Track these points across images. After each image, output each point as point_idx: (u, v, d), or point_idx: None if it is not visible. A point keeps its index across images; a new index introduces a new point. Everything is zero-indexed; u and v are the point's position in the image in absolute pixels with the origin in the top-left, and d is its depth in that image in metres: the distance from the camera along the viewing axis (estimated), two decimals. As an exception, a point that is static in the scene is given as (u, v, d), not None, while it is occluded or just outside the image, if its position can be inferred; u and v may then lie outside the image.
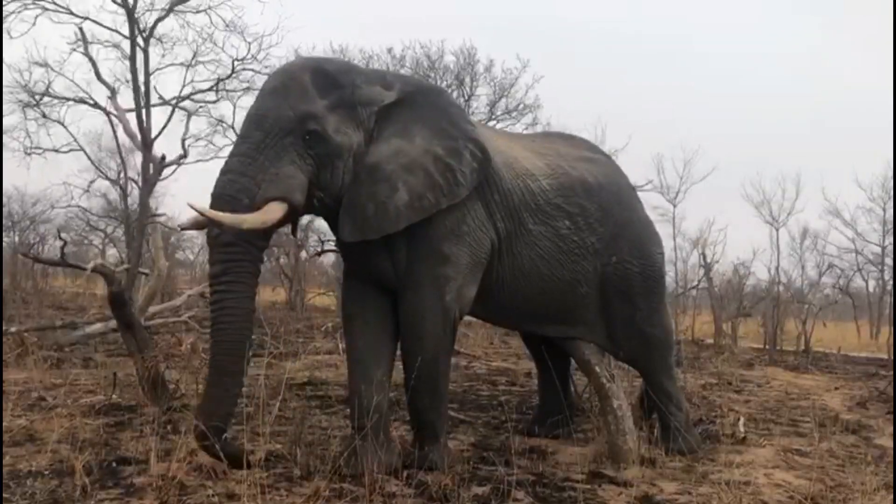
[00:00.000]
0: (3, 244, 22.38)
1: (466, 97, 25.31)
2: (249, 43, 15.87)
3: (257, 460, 4.18)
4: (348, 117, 4.49)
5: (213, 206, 4.15)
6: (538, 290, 5.23)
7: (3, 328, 7.96)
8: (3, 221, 20.90)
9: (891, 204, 24.47)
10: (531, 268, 5.14)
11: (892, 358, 9.89)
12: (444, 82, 24.97)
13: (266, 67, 17.08)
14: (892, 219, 24.19)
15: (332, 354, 9.81)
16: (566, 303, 5.39)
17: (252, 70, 16.72)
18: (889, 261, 24.87)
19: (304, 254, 20.84)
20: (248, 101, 24.31)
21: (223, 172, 4.26)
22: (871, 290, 27.49)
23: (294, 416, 5.42)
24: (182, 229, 4.65)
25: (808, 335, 15.30)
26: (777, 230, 24.94)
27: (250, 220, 4.10)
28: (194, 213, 4.14)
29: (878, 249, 25.22)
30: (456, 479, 4.29)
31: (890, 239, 24.67)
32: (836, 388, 10.00)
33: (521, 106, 25.36)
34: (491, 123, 25.88)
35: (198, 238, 28.23)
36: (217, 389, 4.23)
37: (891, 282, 26.13)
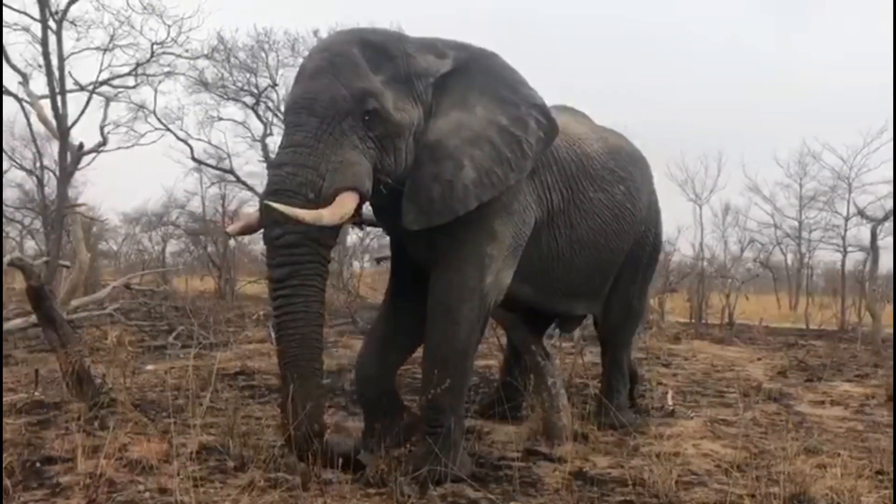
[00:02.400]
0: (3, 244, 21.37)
1: (395, 81, 25.16)
2: (169, 26, 15.44)
3: (189, 453, 4.10)
4: (405, 92, 4.08)
5: (268, 203, 3.71)
6: (593, 263, 5.13)
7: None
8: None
9: (806, 179, 25.34)
10: (589, 238, 5.03)
11: (894, 352, 10.28)
12: (372, 65, 24.75)
13: (186, 51, 16.66)
14: (806, 195, 25.05)
15: (264, 343, 9.66)
16: (607, 275, 5.41)
17: (172, 54, 16.29)
18: (805, 234, 25.81)
19: (232, 241, 20.47)
20: (168, 86, 23.75)
21: (278, 166, 3.84)
22: (789, 263, 28.51)
23: (226, 408, 5.33)
24: (232, 235, 4.32)
25: (731, 308, 15.80)
26: (700, 207, 25.55)
27: (328, 214, 3.70)
28: (243, 217, 3.92)
29: (796, 224, 26.12)
30: (393, 463, 4.29)
31: (806, 213, 25.58)
32: (759, 359, 10.37)
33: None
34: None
35: (121, 228, 27.51)
36: (303, 397, 3.79)
37: (808, 255, 27.18)
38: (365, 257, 19.95)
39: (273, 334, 3.94)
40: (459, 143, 4.20)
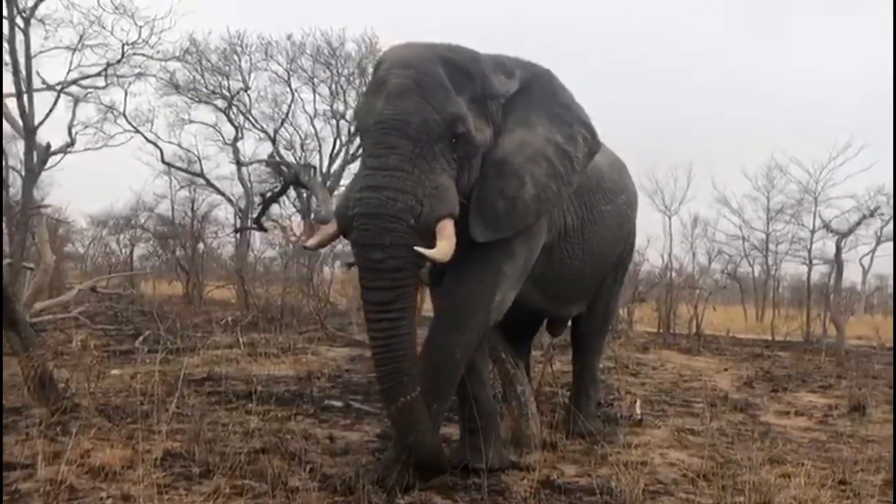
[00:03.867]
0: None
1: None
2: (140, 27, 15.32)
3: (154, 459, 4.04)
4: (481, 112, 4.15)
5: (370, 227, 3.73)
6: (597, 270, 5.37)
7: None
8: None
9: (774, 192, 25.71)
10: (598, 249, 5.24)
11: (894, 354, 10.44)
12: (346, 70, 24.73)
13: (158, 53, 16.51)
14: (774, 207, 25.40)
15: (232, 348, 9.57)
16: (602, 279, 5.70)
17: (143, 55, 16.15)
18: (772, 246, 26.17)
19: (201, 245, 20.28)
20: (139, 87, 23.52)
21: (374, 189, 3.76)
22: (756, 274, 28.89)
23: (192, 414, 5.26)
24: (309, 248, 4.16)
25: (699, 319, 15.95)
26: (669, 218, 25.89)
27: (448, 248, 3.79)
28: (321, 231, 3.95)
29: (763, 236, 26.49)
30: (360, 470, 4.26)
31: (773, 226, 25.96)
32: (726, 369, 10.47)
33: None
34: (393, 113, 25.78)
35: (88, 230, 27.13)
36: (418, 419, 3.93)
37: (774, 267, 27.55)
38: (335, 263, 19.85)
39: (378, 357, 3.92)
40: (523, 160, 4.32)
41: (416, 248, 3.70)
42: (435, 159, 3.87)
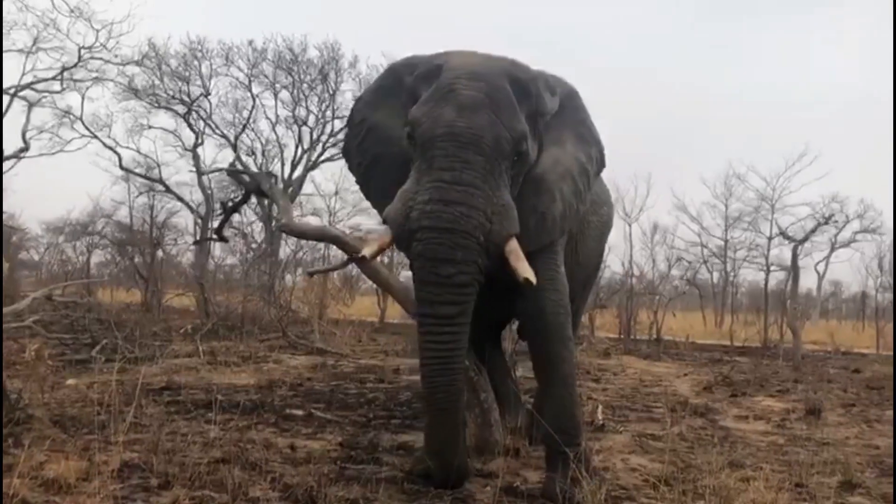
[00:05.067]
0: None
1: (331, 92, 25.04)
2: (97, 31, 15.10)
3: (110, 471, 3.96)
4: (532, 130, 4.17)
5: (442, 242, 3.70)
6: (580, 279, 5.49)
7: None
8: None
9: (732, 200, 26.14)
10: (584, 258, 5.37)
11: (894, 358, 10.61)
12: (309, 76, 24.62)
13: (116, 57, 16.29)
14: (732, 215, 25.81)
15: (191, 357, 9.45)
16: (582, 286, 5.81)
17: (101, 59, 15.91)
18: (730, 253, 26.60)
19: (160, 252, 19.99)
20: (97, 92, 23.20)
21: (446, 203, 3.73)
22: (714, 281, 29.34)
23: (151, 424, 5.17)
24: (367, 260, 4.03)
25: (659, 325, 16.14)
26: (630, 226, 26.16)
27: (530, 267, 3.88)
28: (374, 240, 3.87)
29: (721, 243, 26.92)
30: (322, 479, 4.22)
31: (731, 233, 26.39)
32: (686, 374, 10.61)
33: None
34: (356, 120, 25.75)
35: (43, 237, 26.61)
36: (458, 428, 4.03)
37: (732, 273, 28.00)
38: (298, 270, 19.70)
39: (433, 368, 3.89)
40: (555, 178, 4.37)
41: (524, 272, 3.80)
42: (500, 176, 3.89)
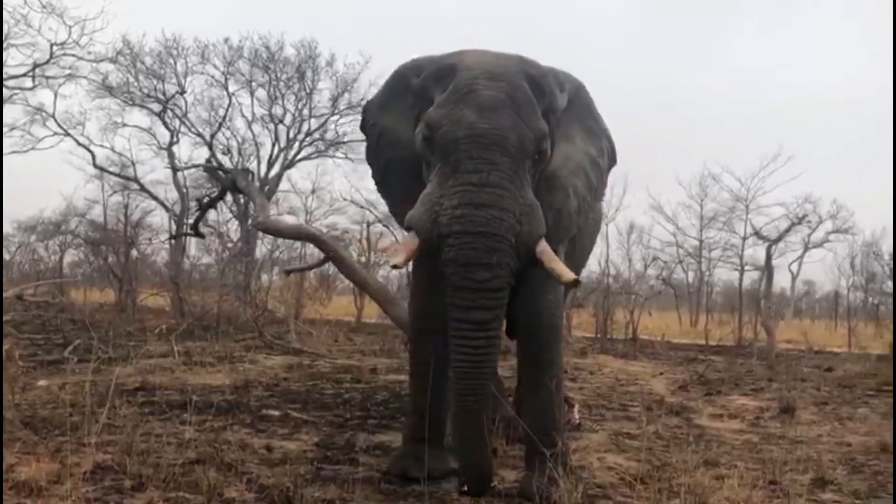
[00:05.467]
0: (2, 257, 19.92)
1: (308, 91, 24.93)
2: (70, 27, 14.91)
3: (83, 473, 3.91)
4: (548, 128, 4.12)
5: (476, 246, 3.64)
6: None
7: None
8: None
9: (707, 200, 26.37)
10: (579, 257, 5.38)
11: (894, 360, 10.68)
12: (285, 75, 24.48)
13: (89, 54, 16.12)
14: (707, 215, 26.05)
15: (166, 357, 9.36)
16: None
17: (74, 56, 15.72)
18: (705, 253, 26.83)
19: (134, 251, 19.80)
20: (70, 89, 22.92)
21: (476, 206, 3.66)
22: (690, 280, 29.57)
23: (124, 425, 5.12)
24: (399, 267, 3.85)
25: (635, 324, 16.24)
26: (606, 225, 26.24)
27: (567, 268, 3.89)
28: (405, 247, 3.76)
29: (696, 242, 27.13)
30: (299, 480, 4.20)
31: (706, 233, 26.61)
32: (661, 374, 10.68)
33: (364, 101, 25.27)
34: (333, 119, 25.70)
35: (15, 236, 26.22)
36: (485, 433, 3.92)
37: (707, 273, 28.26)
38: (274, 269, 19.59)
39: (467, 372, 3.81)
40: (567, 174, 4.34)
41: (565, 273, 3.82)
42: (524, 176, 3.86)
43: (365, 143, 4.99)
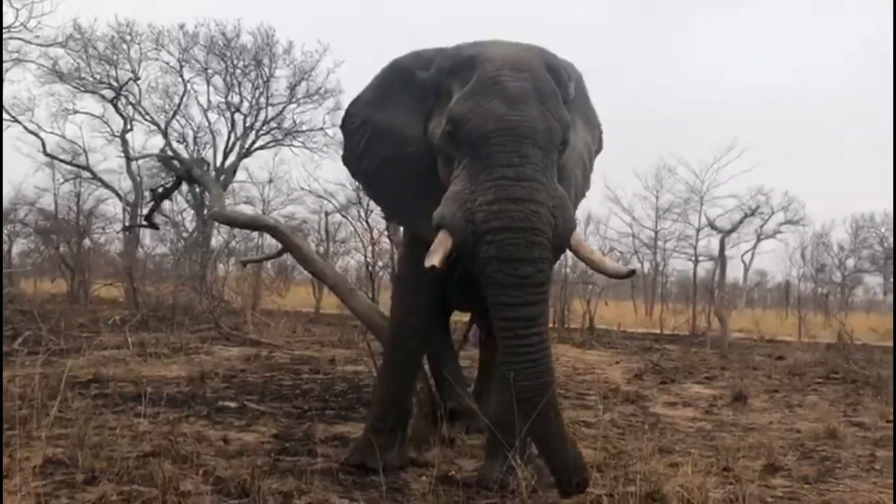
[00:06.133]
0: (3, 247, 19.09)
1: (265, 79, 24.68)
2: (17, 10, 14.51)
3: (33, 467, 3.83)
4: None
5: (517, 242, 3.52)
6: None
7: None
8: None
9: (662, 192, 26.73)
10: None
11: (894, 353, 10.83)
12: (242, 62, 24.18)
13: (38, 38, 15.73)
14: (662, 206, 26.39)
15: (120, 349, 9.21)
16: None
17: (21, 40, 15.31)
18: (661, 244, 27.21)
19: (87, 241, 19.42)
20: (17, 74, 22.34)
21: (513, 200, 3.55)
22: (645, 270, 29.97)
23: (77, 418, 5.02)
24: (436, 268, 3.59)
25: (592, 313, 16.40)
26: (564, 216, 26.46)
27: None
28: (441, 247, 3.57)
29: (652, 233, 27.50)
30: (256, 471, 4.17)
31: (661, 224, 26.98)
32: (617, 362, 10.82)
33: (323, 90, 25.15)
34: (291, 107, 25.47)
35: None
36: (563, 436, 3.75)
37: (662, 263, 28.65)
38: (230, 260, 19.37)
39: (525, 372, 3.63)
40: (571, 164, 4.27)
41: (613, 266, 3.89)
42: (552, 169, 3.76)
43: (346, 142, 4.73)
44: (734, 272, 27.47)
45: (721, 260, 17.68)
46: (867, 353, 11.91)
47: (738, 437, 5.86)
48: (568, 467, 3.71)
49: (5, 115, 20.25)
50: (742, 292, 31.47)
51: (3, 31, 14.24)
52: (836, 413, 7.08)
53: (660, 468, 4.39)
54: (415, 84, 4.24)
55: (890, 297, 35.20)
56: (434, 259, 3.59)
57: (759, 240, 27.18)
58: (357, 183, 4.71)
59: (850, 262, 38.38)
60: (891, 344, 14.82)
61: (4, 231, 23.56)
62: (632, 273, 4.09)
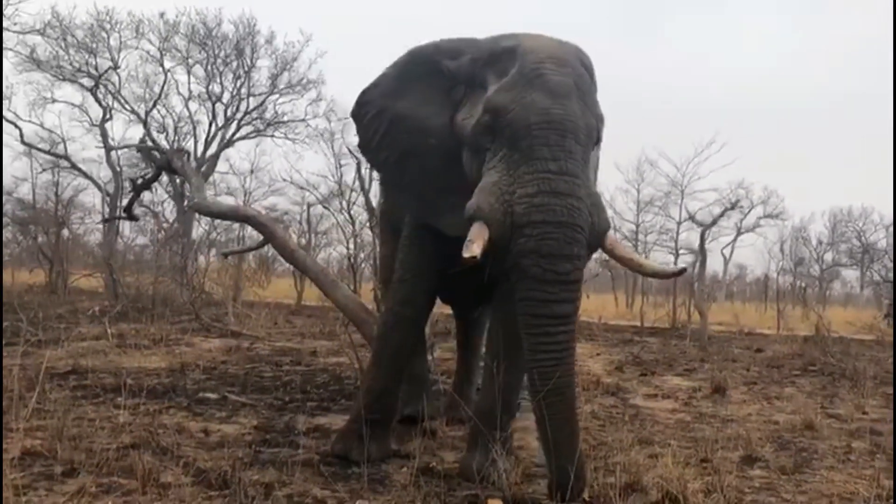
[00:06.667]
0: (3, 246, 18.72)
1: (247, 68, 24.53)
2: (-5, -3, 14.29)
3: (10, 459, 3.79)
4: None
5: (558, 237, 3.46)
6: None
7: None
8: None
9: (644, 185, 26.86)
10: None
11: (894, 350, 10.90)
12: (223, 52, 24.00)
13: (15, 24, 15.55)
14: (643, 199, 26.51)
15: (99, 340, 9.14)
16: None
17: (-2, 28, 15.09)
18: (642, 236, 27.34)
19: (66, 231, 19.23)
20: (-4, 62, 21.99)
21: (555, 195, 3.49)
22: (627, 263, 30.08)
23: (55, 409, 4.98)
24: (477, 258, 3.50)
25: (573, 306, 16.41)
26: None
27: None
28: (479, 238, 3.48)
29: (633, 226, 27.63)
30: (237, 463, 4.16)
31: (643, 217, 27.12)
32: (598, 354, 10.87)
33: (305, 80, 25.04)
34: (273, 97, 25.31)
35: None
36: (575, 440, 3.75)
37: (643, 255, 28.77)
38: (211, 251, 19.27)
39: (549, 369, 3.62)
40: (594, 162, 4.19)
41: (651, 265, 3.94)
42: (587, 166, 3.74)
43: (360, 132, 4.55)
44: (714, 266, 27.70)
45: (701, 253, 17.79)
46: (844, 346, 12.03)
47: (717, 428, 5.91)
48: (568, 473, 3.65)
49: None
50: (722, 285, 31.73)
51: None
52: (813, 405, 7.16)
53: (639, 459, 4.43)
54: (441, 74, 4.15)
55: (867, 291, 35.64)
56: (475, 250, 3.49)
57: (738, 233, 27.43)
58: (377, 173, 4.57)
59: (828, 257, 38.83)
60: (867, 337, 15.02)
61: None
62: (682, 271, 4.10)
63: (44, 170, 23.98)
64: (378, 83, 4.49)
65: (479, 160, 3.80)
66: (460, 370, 6.16)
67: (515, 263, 3.56)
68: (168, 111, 24.58)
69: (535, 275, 3.52)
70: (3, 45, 16.89)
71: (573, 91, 3.68)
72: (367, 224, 8.31)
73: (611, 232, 3.79)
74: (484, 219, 3.55)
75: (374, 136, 4.41)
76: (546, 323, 3.57)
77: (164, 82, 23.64)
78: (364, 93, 4.53)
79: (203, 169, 23.09)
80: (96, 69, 22.52)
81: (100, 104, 23.06)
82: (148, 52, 23.27)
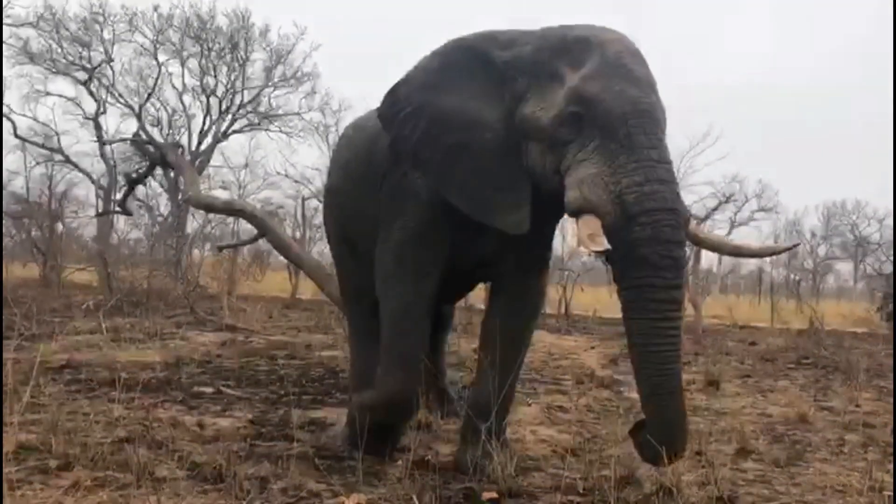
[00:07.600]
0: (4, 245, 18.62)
1: (241, 61, 24.46)
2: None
3: (5, 454, 3.79)
4: None
5: (671, 223, 3.45)
6: None
7: None
8: None
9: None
10: None
11: (894, 348, 10.93)
12: (217, 45, 23.93)
13: (8, 17, 15.47)
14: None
15: (94, 334, 9.12)
16: None
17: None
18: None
19: (59, 225, 19.19)
20: (-12, 55, 21.91)
21: (662, 182, 3.47)
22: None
23: (50, 403, 4.98)
24: (600, 252, 3.52)
25: (568, 299, 16.49)
26: (541, 202, 26.53)
27: None
28: (596, 231, 3.45)
29: (629, 220, 27.68)
30: (232, 457, 4.16)
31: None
32: (593, 348, 10.90)
33: (299, 73, 25.00)
34: (267, 91, 25.26)
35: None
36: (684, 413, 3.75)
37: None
38: (206, 245, 19.24)
39: (669, 355, 3.60)
40: None
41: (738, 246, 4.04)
42: None
43: (393, 130, 4.20)
44: (708, 259, 27.82)
45: (696, 247, 17.83)
46: (837, 339, 12.11)
47: (711, 421, 5.93)
48: (674, 441, 3.65)
49: (-26, 98, 19.89)
50: (716, 279, 31.82)
51: (-27, 10, 13.90)
52: (807, 398, 7.19)
53: (634, 452, 4.44)
54: (491, 65, 3.97)
55: (861, 284, 35.76)
56: (602, 242, 3.47)
57: (733, 227, 27.50)
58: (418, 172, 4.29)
59: (822, 250, 38.93)
60: (860, 329, 15.08)
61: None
62: (795, 246, 4.15)
63: (37, 163, 23.91)
64: (412, 78, 4.20)
65: (557, 154, 3.70)
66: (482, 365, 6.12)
67: (630, 252, 3.49)
68: (162, 104, 24.53)
69: (654, 262, 3.47)
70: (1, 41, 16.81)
71: (653, 84, 3.69)
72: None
73: (691, 221, 3.77)
74: (594, 210, 3.51)
75: (411, 134, 4.10)
76: (667, 308, 3.53)
77: (158, 76, 23.58)
78: (394, 90, 4.23)
79: (197, 162, 23.03)
80: (90, 62, 22.44)
81: (93, 98, 22.99)
82: (142, 46, 23.21)
